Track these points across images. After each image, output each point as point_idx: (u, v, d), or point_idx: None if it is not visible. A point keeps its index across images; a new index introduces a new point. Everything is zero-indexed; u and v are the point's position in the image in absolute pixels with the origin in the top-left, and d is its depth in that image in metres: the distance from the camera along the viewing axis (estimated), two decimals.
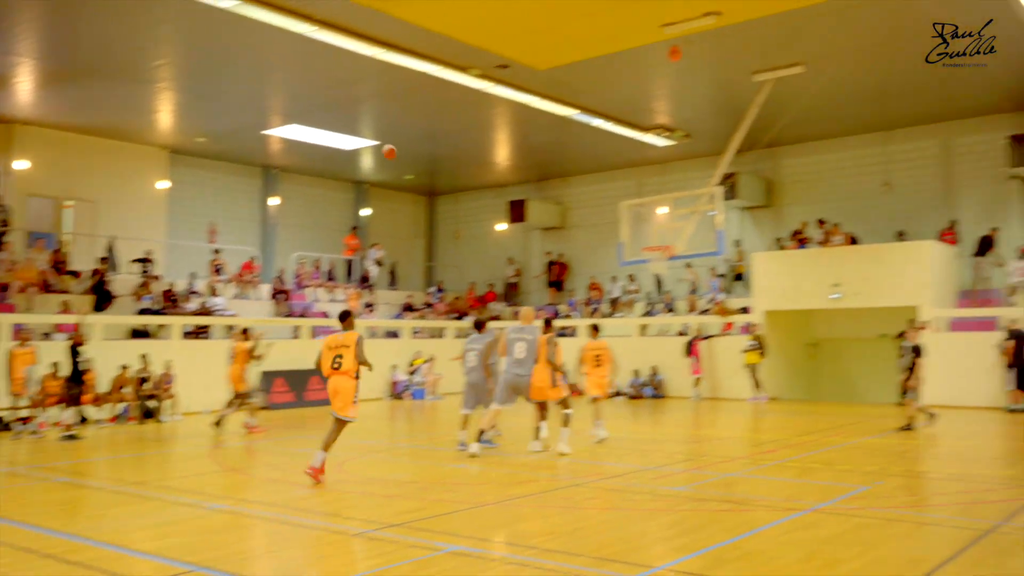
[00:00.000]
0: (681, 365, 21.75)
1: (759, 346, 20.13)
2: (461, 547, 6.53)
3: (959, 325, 19.04)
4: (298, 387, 20.14)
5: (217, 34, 15.31)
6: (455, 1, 13.18)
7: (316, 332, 21.81)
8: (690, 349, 21.47)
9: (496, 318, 25.61)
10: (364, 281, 26.81)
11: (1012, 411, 16.65)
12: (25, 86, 18.12)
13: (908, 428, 13.77)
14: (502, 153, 25.59)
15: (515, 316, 12.74)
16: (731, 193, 22.26)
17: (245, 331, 15.38)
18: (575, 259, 28.05)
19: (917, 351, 13.88)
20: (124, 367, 16.65)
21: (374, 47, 15.32)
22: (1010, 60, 16.41)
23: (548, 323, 11.95)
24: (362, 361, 9.32)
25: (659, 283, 25.00)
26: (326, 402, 10.15)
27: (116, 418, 16.41)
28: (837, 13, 14.24)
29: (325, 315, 23.58)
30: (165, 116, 20.78)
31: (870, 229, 21.71)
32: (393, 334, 24.75)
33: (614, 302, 25.43)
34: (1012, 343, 16.90)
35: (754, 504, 8.29)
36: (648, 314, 24.49)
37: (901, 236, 20.82)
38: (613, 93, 18.94)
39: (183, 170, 24.10)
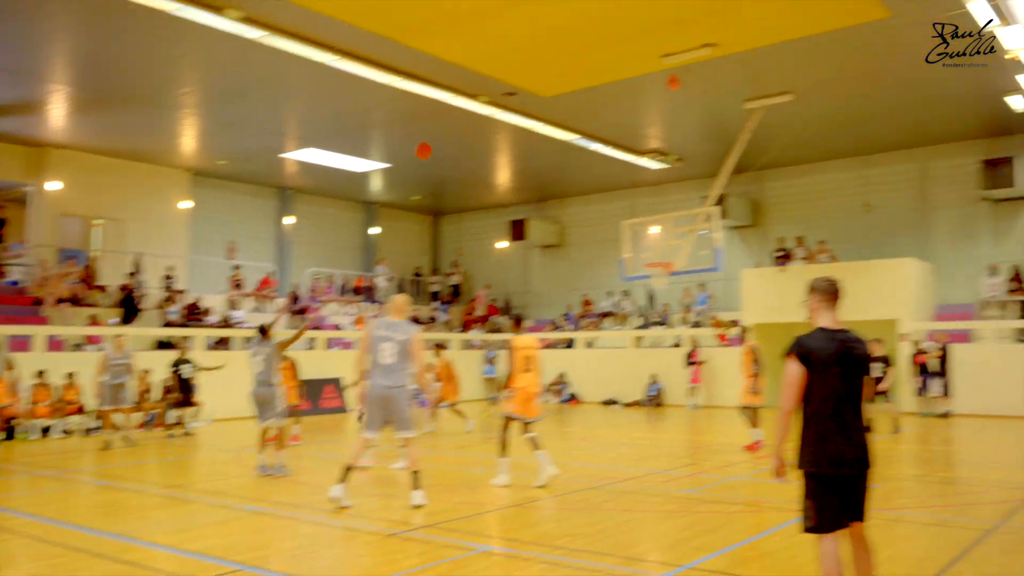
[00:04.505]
0: (680, 375, 21.78)
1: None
2: (491, 547, 6.47)
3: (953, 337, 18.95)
4: (314, 395, 19.96)
5: (240, 63, 15.21)
6: (470, 33, 13.22)
7: (331, 343, 21.69)
8: (690, 359, 21.49)
9: (498, 330, 25.83)
10: (371, 294, 26.76)
11: None
12: (59, 112, 18.08)
13: (896, 431, 13.93)
14: (504, 175, 25.60)
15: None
16: (721, 213, 22.30)
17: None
18: (572, 276, 28.03)
19: (886, 361, 14.07)
20: (145, 371, 16.41)
21: (391, 75, 15.28)
22: (981, 90, 16.55)
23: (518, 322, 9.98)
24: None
25: (651, 298, 25.01)
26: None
27: (143, 425, 16.27)
28: (825, 45, 14.30)
29: (337, 327, 23.48)
30: (188, 140, 20.73)
31: (850, 248, 21.79)
32: None
33: (606, 315, 25.45)
34: None
35: (763, 506, 8.24)
36: (642, 327, 24.48)
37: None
38: (611, 119, 18.96)
39: (205, 191, 24.05)
